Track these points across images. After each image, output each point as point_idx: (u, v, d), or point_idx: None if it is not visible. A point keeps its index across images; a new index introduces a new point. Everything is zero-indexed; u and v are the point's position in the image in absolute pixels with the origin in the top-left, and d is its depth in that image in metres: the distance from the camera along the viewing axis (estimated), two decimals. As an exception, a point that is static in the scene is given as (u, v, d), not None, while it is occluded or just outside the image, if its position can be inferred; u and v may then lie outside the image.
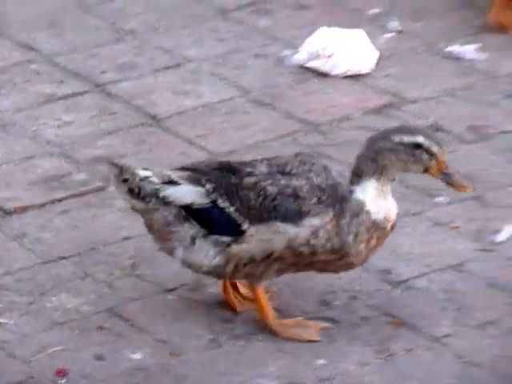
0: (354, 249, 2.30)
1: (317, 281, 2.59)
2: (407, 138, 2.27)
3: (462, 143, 3.10)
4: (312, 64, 3.38)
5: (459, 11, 3.74)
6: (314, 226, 2.26)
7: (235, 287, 2.54)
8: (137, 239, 2.74)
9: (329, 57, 3.36)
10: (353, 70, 3.38)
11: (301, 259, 2.32)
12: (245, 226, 2.29)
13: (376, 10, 3.76)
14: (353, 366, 2.33)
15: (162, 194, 2.32)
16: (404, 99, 3.28)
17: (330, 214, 2.26)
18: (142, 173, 2.35)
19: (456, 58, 3.49)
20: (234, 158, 2.87)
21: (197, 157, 3.07)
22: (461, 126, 3.16)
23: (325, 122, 3.18)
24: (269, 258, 2.32)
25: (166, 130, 3.27)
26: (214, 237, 2.33)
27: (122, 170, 2.39)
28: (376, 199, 2.31)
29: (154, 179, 2.33)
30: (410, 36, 3.63)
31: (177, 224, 2.36)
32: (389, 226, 2.35)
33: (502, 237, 2.82)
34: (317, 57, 3.38)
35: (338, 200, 2.30)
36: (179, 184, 2.34)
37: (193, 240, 2.33)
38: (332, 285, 2.59)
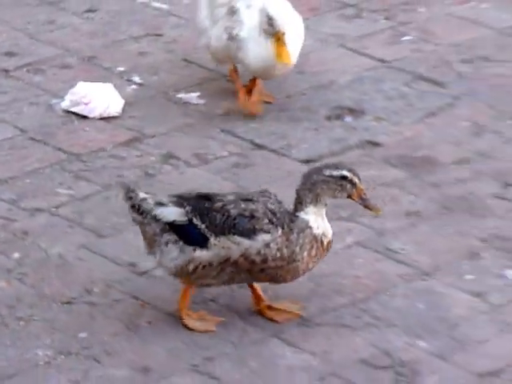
0: (300, 256, 2.63)
1: (78, 273, 2.96)
2: (335, 172, 2.64)
3: (189, 167, 3.58)
4: (74, 109, 3.79)
5: (184, 68, 4.18)
6: (266, 240, 2.60)
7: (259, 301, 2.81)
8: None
9: (87, 104, 3.78)
10: (105, 114, 3.80)
11: (254, 266, 2.63)
12: (211, 238, 2.64)
13: (122, 68, 4.21)
14: (108, 337, 2.72)
15: (153, 213, 2.68)
16: (145, 135, 3.73)
17: (280, 231, 2.61)
18: (142, 194, 2.73)
19: (184, 103, 3.94)
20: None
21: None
22: (188, 154, 3.63)
23: (85, 153, 3.59)
24: (225, 264, 2.64)
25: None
26: (182, 244, 2.68)
27: (128, 189, 2.76)
28: (316, 219, 2.66)
29: (150, 200, 2.71)
30: (149, 87, 4.08)
31: (160, 235, 2.70)
32: (326, 240, 2.69)
33: None
34: (78, 104, 3.78)
35: (286, 221, 2.63)
36: (167, 206, 2.70)
37: (166, 245, 2.68)
38: (92, 276, 2.95)
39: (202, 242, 2.64)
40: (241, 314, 2.83)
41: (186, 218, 2.66)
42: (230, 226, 2.61)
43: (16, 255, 3.06)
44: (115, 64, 4.30)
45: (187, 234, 2.68)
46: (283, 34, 3.45)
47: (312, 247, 2.63)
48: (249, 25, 3.59)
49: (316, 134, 3.75)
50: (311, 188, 2.63)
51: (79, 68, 4.22)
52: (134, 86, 4.12)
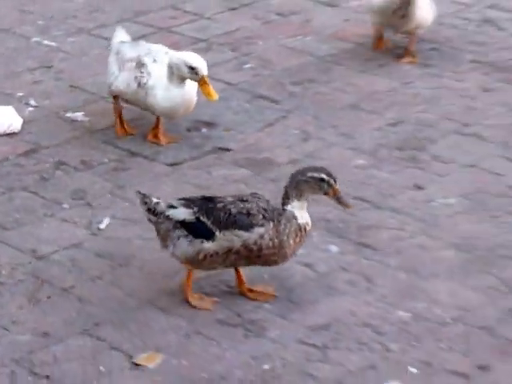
0: (288, 243, 2.81)
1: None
2: (316, 175, 2.81)
3: (77, 171, 3.79)
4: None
5: (71, 93, 4.46)
6: (260, 233, 2.79)
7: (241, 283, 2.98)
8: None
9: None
10: (8, 130, 4.02)
11: (251, 253, 2.82)
12: (216, 232, 2.82)
13: (21, 94, 4.48)
14: (14, 309, 2.92)
15: (166, 213, 2.90)
16: (40, 146, 3.94)
17: (271, 224, 2.80)
18: (155, 199, 2.95)
19: (71, 120, 4.20)
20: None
21: None
22: (76, 161, 3.86)
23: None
24: (228, 252, 2.83)
25: None
26: (191, 237, 2.85)
27: (144, 196, 2.99)
28: (300, 211, 2.84)
29: (162, 204, 2.93)
30: (43, 108, 4.33)
31: (172, 231, 2.89)
32: (308, 228, 2.86)
33: (103, 225, 3.47)
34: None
35: (275, 216, 2.82)
36: (177, 207, 2.91)
37: (178, 239, 2.86)
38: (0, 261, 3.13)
39: (208, 235, 2.83)
40: (122, 289, 3.07)
41: (193, 217, 2.86)
42: (232, 222, 2.81)
43: None
44: (15, 91, 4.52)
45: (195, 230, 2.86)
46: (207, 76, 3.64)
47: (297, 235, 2.83)
48: (155, 75, 3.73)
49: (179, 142, 4.02)
50: (296, 186, 2.82)
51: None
52: (30, 108, 4.35)
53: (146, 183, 3.67)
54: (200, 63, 3.63)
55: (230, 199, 2.91)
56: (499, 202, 3.56)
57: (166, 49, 3.87)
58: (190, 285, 2.95)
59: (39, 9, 5.38)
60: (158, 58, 3.76)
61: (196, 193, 3.40)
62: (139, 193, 3.03)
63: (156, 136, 3.99)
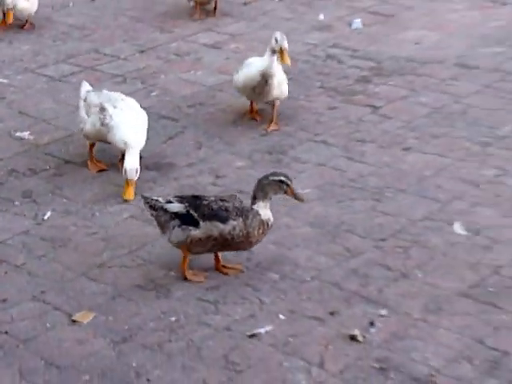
0: (253, 234, 2.82)
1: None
2: (276, 178, 2.82)
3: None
4: None
5: (19, 117, 4.44)
6: (233, 225, 2.78)
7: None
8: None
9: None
10: None
11: (226, 241, 2.83)
12: (201, 222, 2.83)
13: None
14: None
15: (164, 207, 2.90)
16: None
17: (241, 219, 2.79)
18: (154, 197, 2.99)
19: (21, 138, 4.17)
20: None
21: None
22: (24, 168, 3.85)
23: None
24: (209, 238, 2.83)
25: None
26: (184, 226, 2.83)
27: (146, 198, 3.01)
28: (263, 209, 2.83)
29: (161, 200, 2.95)
30: None
31: (169, 221, 2.89)
32: (270, 223, 2.85)
33: (46, 217, 3.45)
34: None
35: (245, 213, 2.81)
36: (173, 202, 2.91)
37: (173, 228, 2.87)
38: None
39: (195, 224, 2.84)
40: (61, 264, 3.09)
41: (184, 210, 2.87)
42: (213, 215, 2.82)
43: None
44: None
45: (186, 220, 2.85)
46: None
47: (260, 228, 2.83)
48: (114, 117, 3.56)
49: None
50: (261, 189, 2.83)
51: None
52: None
53: (78, 185, 3.73)
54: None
55: (212, 198, 2.92)
56: (343, 191, 3.62)
57: (122, 96, 3.82)
58: (185, 265, 2.94)
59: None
60: (117, 104, 3.67)
61: (117, 191, 3.58)
62: (142, 196, 3.11)
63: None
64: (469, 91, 4.51)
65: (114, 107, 3.65)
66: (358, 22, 5.48)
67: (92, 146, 3.86)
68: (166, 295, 2.91)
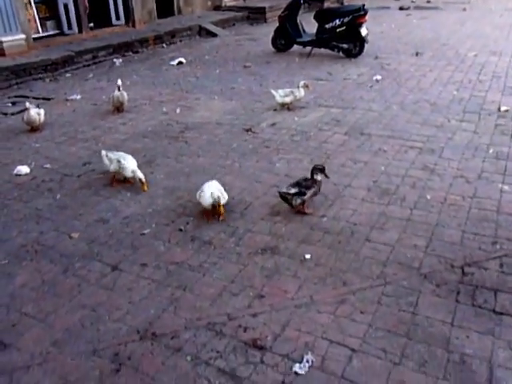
0: (320, 186, 3.99)
1: None
2: (320, 166, 4.02)
3: None
4: None
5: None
6: (316, 186, 3.95)
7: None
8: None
9: None
10: None
11: (315, 194, 3.98)
12: (306, 192, 3.93)
13: None
14: None
15: (290, 192, 3.91)
16: None
17: (315, 184, 3.97)
18: (284, 189, 3.97)
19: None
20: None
21: None
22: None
23: None
24: (310, 197, 3.92)
25: None
26: (298, 198, 3.89)
27: (280, 192, 4.00)
28: (319, 177, 3.98)
29: (285, 188, 3.98)
30: None
31: (292, 197, 3.90)
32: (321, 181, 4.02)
33: None
34: None
35: (314, 181, 4.00)
36: (294, 187, 3.93)
37: (295, 201, 3.90)
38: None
39: (304, 194, 3.90)
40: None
41: (295, 191, 3.93)
42: (308, 187, 3.92)
43: None
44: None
45: (298, 194, 3.91)
46: None
47: (321, 184, 4.02)
48: (126, 161, 4.51)
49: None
50: (314, 169, 4.00)
51: None
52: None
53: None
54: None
55: (301, 181, 4.01)
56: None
57: (123, 153, 4.69)
58: (305, 210, 4.01)
59: None
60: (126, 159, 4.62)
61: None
62: (278, 192, 4.02)
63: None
64: None
65: (124, 158, 4.63)
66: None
67: (114, 176, 4.73)
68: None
